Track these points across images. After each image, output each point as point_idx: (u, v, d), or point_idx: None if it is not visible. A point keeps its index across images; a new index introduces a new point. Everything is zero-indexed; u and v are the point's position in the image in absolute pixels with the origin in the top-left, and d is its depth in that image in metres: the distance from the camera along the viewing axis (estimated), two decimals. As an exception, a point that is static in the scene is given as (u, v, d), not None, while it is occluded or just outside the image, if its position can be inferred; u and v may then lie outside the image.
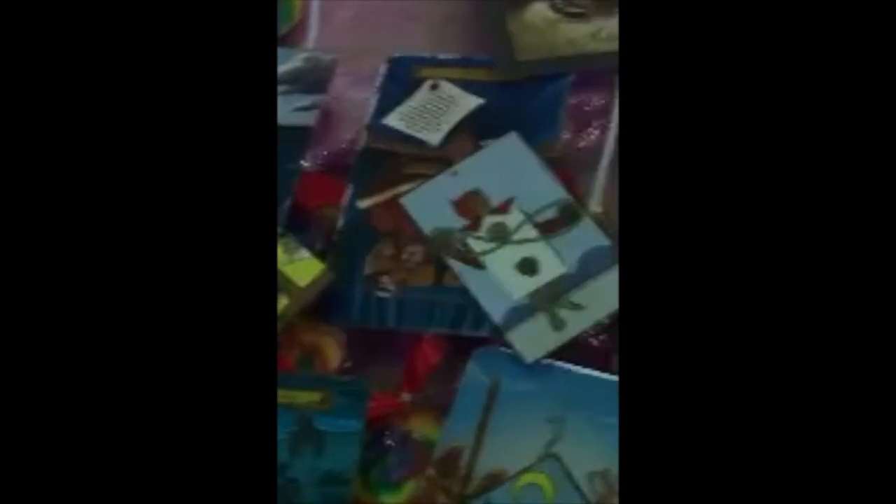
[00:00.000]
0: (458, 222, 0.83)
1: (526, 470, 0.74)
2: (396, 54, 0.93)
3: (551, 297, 0.79)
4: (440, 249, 0.82)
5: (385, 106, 0.90)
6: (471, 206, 0.83)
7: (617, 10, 0.91)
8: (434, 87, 0.91)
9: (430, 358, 0.79)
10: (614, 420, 0.75)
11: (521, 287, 0.80)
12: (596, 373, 0.77)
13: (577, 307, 0.78)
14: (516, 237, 0.81)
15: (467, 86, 0.90)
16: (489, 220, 0.82)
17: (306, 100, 0.89)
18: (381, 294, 0.81)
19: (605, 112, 0.90)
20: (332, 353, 0.81)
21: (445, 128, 0.88)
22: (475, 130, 0.87)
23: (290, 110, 0.87)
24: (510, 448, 0.75)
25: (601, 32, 0.90)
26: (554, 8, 0.92)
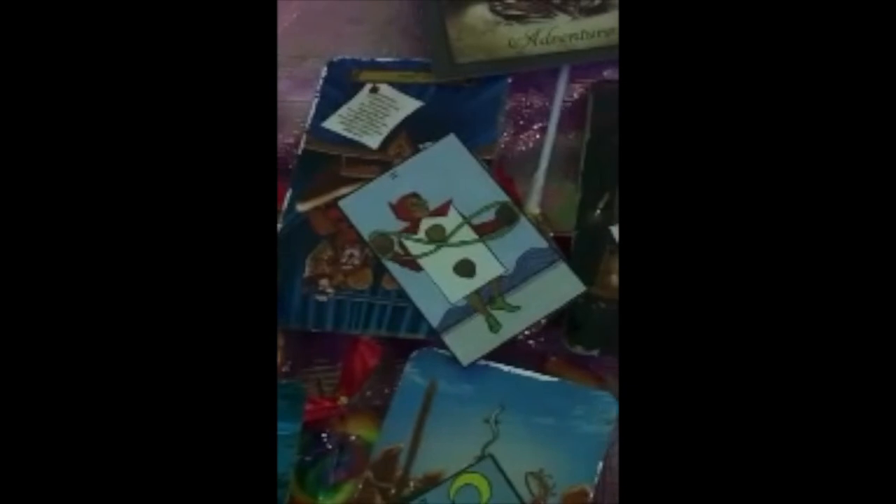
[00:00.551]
0: (397, 225, 0.83)
1: (462, 471, 0.75)
2: (336, 57, 0.93)
3: (488, 299, 0.79)
4: (378, 252, 0.82)
5: (325, 109, 0.90)
6: (409, 208, 0.84)
7: (556, 12, 0.91)
8: (373, 90, 0.91)
9: (368, 360, 0.79)
10: (550, 421, 0.76)
11: (458, 289, 0.80)
12: (532, 374, 0.78)
13: (513, 308, 0.79)
14: (454, 239, 0.82)
15: (406, 88, 0.90)
16: (427, 223, 0.83)
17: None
18: (320, 297, 0.81)
19: (543, 114, 0.90)
20: (271, 356, 0.81)
21: (385, 131, 0.88)
22: (414, 133, 0.88)
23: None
24: (447, 449, 0.76)
25: (540, 34, 0.90)
26: (493, 10, 0.92)
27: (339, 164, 0.87)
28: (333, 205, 0.85)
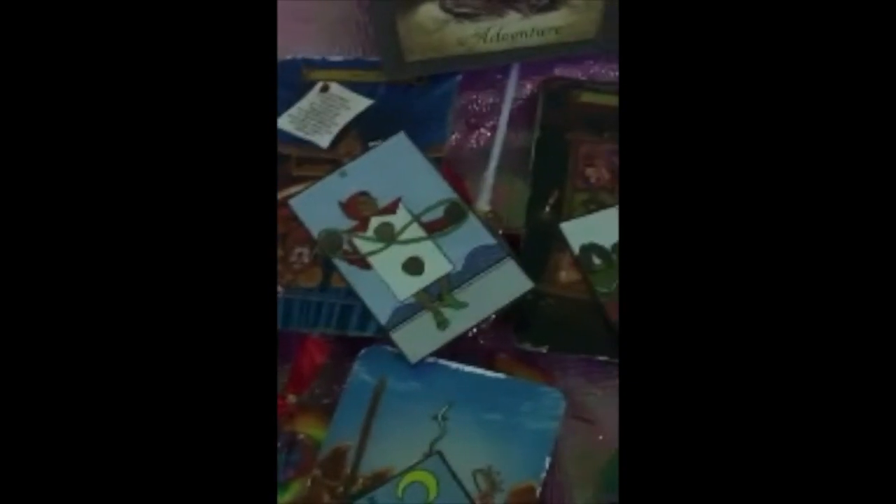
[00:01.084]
0: (346, 223, 0.83)
1: (410, 468, 0.75)
2: (287, 56, 0.93)
3: (436, 296, 0.79)
4: (327, 251, 0.82)
5: (275, 108, 0.90)
6: (359, 207, 0.84)
7: (507, 9, 0.91)
8: (324, 88, 0.91)
9: (317, 358, 0.79)
10: (497, 417, 0.76)
11: (406, 287, 0.80)
12: (480, 370, 0.78)
13: (461, 305, 0.79)
14: (403, 237, 0.82)
15: (357, 87, 0.91)
16: (376, 221, 0.83)
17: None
18: (269, 296, 0.81)
19: (493, 112, 0.90)
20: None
21: (335, 129, 0.88)
22: (364, 132, 0.88)
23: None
24: (395, 447, 0.76)
25: (490, 32, 0.90)
26: (443, 8, 0.92)
27: (290, 163, 0.87)
28: (284, 204, 0.85)
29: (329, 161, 0.87)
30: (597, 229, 0.83)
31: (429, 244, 0.82)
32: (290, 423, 0.79)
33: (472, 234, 0.82)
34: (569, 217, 0.84)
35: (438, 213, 0.83)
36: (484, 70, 0.91)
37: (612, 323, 0.79)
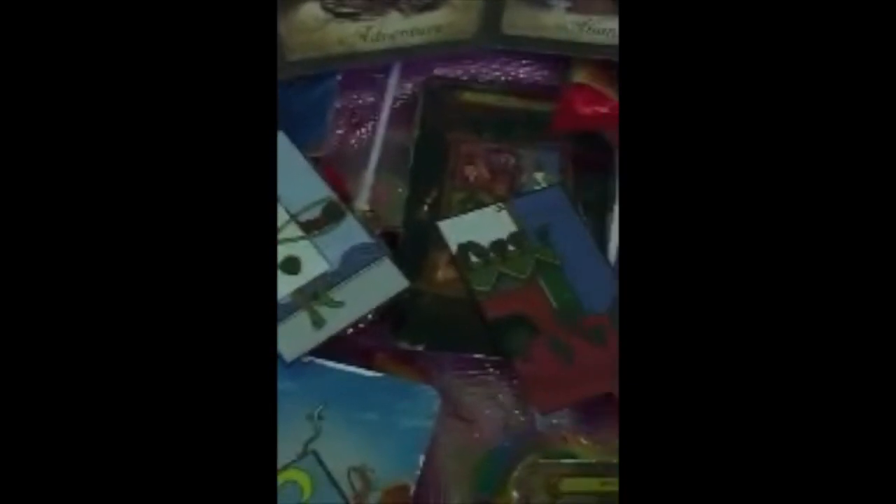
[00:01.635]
0: (224, 223, 0.82)
1: (285, 467, 0.75)
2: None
3: (312, 295, 0.79)
4: (204, 250, 0.81)
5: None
6: (236, 206, 0.83)
7: (388, 9, 0.92)
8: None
9: (192, 359, 0.79)
10: (373, 416, 0.76)
11: (283, 286, 0.80)
12: (356, 369, 0.78)
13: (337, 304, 0.79)
14: (280, 236, 0.81)
15: (236, 86, 0.90)
16: (254, 220, 0.82)
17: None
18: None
19: (375, 111, 0.90)
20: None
21: (214, 128, 0.88)
22: (243, 131, 0.87)
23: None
24: (270, 447, 0.75)
25: (371, 31, 0.90)
26: (325, 8, 0.92)
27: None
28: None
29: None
30: (474, 228, 0.84)
31: (306, 243, 0.81)
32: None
33: (350, 233, 0.82)
34: (447, 216, 0.85)
35: (316, 212, 0.82)
36: (365, 69, 0.91)
37: (488, 320, 0.80)
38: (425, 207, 0.85)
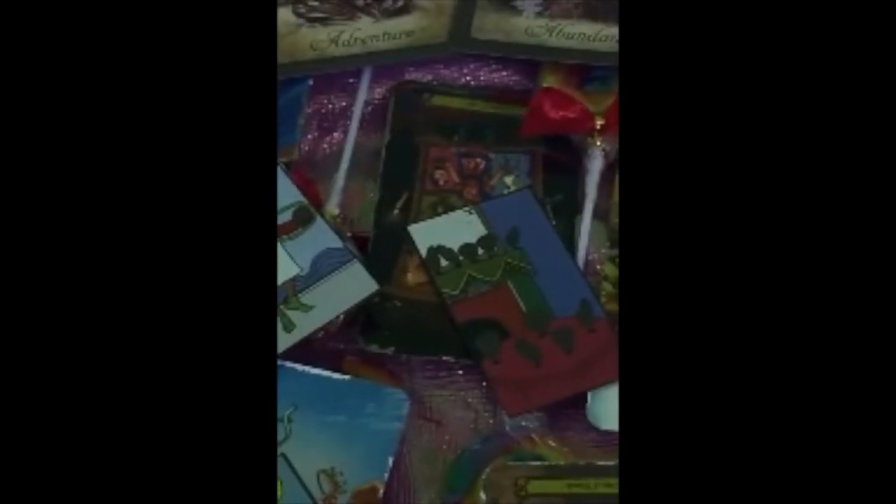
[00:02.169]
0: (194, 227, 0.83)
1: (254, 471, 0.75)
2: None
3: (282, 299, 0.79)
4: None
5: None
6: (207, 210, 0.83)
7: (359, 14, 0.92)
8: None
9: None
10: (342, 419, 0.76)
11: (253, 290, 0.80)
12: (325, 373, 0.78)
13: (307, 308, 0.79)
14: (251, 240, 0.82)
15: (207, 91, 0.90)
16: (224, 225, 0.83)
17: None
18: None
19: (345, 116, 0.91)
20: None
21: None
22: (214, 135, 0.88)
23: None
24: (240, 450, 0.76)
25: (342, 36, 0.91)
26: (296, 13, 0.93)
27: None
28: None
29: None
30: (444, 231, 0.84)
31: (277, 248, 0.82)
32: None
33: (320, 237, 0.82)
34: (417, 219, 0.85)
35: (287, 216, 0.83)
36: (336, 74, 0.92)
37: (457, 324, 0.80)
38: (396, 211, 0.85)
